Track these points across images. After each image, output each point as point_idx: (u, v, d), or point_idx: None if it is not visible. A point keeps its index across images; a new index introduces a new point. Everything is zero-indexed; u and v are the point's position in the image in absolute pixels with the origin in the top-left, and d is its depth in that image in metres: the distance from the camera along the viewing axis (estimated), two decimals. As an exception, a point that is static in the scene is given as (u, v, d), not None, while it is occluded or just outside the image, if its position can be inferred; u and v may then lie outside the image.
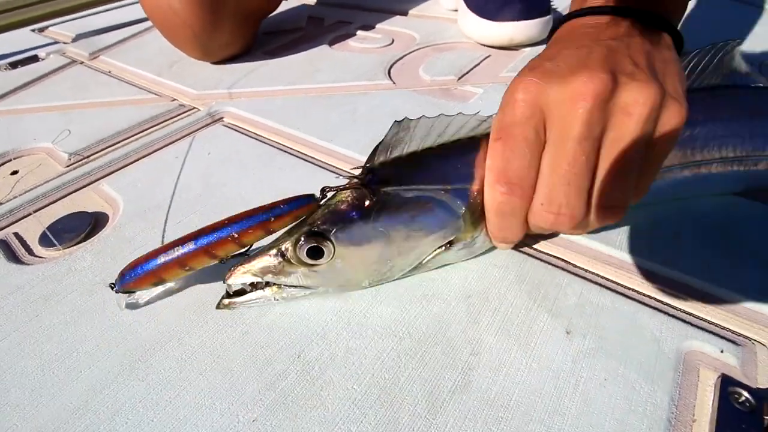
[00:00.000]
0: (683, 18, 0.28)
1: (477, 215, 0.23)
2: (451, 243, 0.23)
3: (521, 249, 0.27)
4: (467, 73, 0.49)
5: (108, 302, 0.25)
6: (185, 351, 0.22)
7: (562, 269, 0.25)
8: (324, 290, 0.23)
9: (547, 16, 0.53)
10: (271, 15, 0.67)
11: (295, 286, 0.23)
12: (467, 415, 0.18)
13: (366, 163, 0.23)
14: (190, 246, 0.22)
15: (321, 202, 0.23)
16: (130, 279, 0.23)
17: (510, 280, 0.24)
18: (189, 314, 0.24)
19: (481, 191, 0.22)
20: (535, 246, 0.27)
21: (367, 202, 0.22)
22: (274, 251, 0.22)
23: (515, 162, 0.20)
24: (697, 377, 0.20)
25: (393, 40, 0.60)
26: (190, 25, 0.49)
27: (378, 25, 0.65)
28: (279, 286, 0.23)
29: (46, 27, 0.78)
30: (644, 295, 0.24)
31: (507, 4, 0.52)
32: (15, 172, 0.39)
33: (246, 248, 0.23)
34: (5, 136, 0.44)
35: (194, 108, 0.47)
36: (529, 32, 0.52)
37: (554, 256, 0.26)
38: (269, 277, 0.22)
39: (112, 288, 0.24)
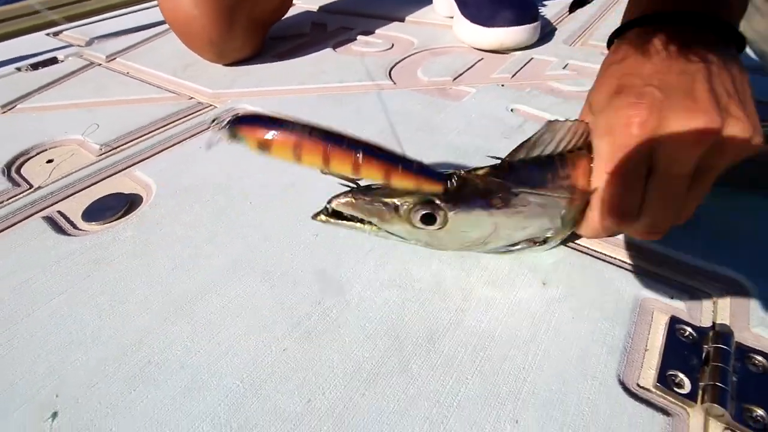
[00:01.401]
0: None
1: (573, 223, 0.25)
2: (545, 241, 0.26)
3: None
4: (462, 74, 0.53)
5: (151, 264, 0.29)
6: (223, 300, 0.26)
7: (542, 236, 0.29)
8: (414, 243, 0.24)
9: (535, 23, 0.58)
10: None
11: (392, 234, 0.23)
12: (460, 343, 0.23)
13: (507, 156, 0.24)
14: (315, 137, 0.19)
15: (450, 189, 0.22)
16: (248, 124, 0.20)
17: (497, 244, 0.29)
18: (224, 272, 0.28)
19: (579, 202, 0.23)
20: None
21: (493, 197, 0.22)
22: (389, 201, 0.22)
23: (628, 197, 0.21)
24: (651, 318, 0.24)
25: (393, 45, 0.64)
26: (208, 32, 0.53)
27: (378, 31, 0.70)
28: (378, 227, 0.23)
29: (61, 31, 0.82)
30: (612, 257, 0.28)
31: (498, 11, 0.57)
32: (50, 161, 0.43)
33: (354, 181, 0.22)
34: (37, 130, 0.48)
35: (211, 105, 0.51)
36: (519, 37, 0.57)
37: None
38: (375, 220, 0.22)
39: (215, 123, 0.21)
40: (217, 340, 0.24)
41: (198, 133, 0.45)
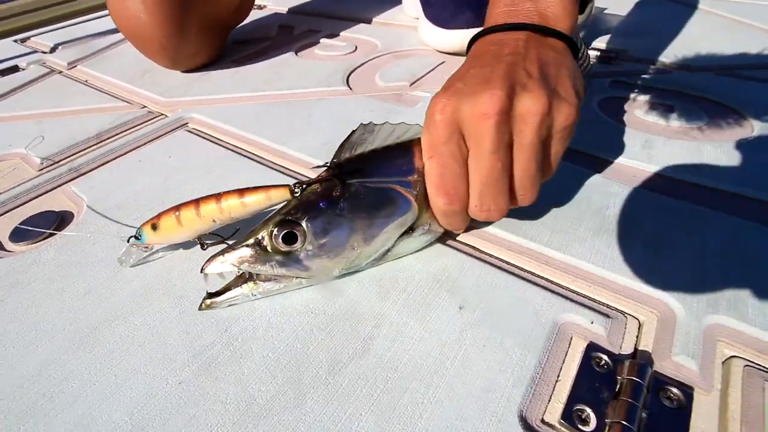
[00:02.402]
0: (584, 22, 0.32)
1: (426, 203, 0.26)
2: (412, 229, 0.26)
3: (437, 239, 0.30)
4: (420, 78, 0.52)
5: (66, 288, 0.28)
6: (129, 327, 0.25)
7: (469, 254, 0.28)
8: (297, 283, 0.25)
9: (498, 25, 0.56)
10: (242, 24, 0.70)
11: (270, 280, 0.25)
12: (361, 375, 0.22)
13: (333, 158, 0.26)
14: (186, 203, 0.25)
15: (296, 196, 0.25)
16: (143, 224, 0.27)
17: (420, 265, 0.28)
18: (135, 297, 0.27)
19: (423, 183, 0.25)
20: (448, 233, 0.30)
21: (334, 193, 0.24)
22: (251, 240, 0.24)
23: (448, 176, 0.24)
24: (569, 345, 0.23)
25: (356, 48, 0.63)
26: (158, 37, 0.52)
27: (343, 33, 0.69)
28: (254, 281, 0.25)
29: (29, 37, 0.81)
30: (536, 275, 0.27)
31: (458, 13, 0.55)
32: (-9, 176, 0.42)
33: (224, 237, 0.26)
34: (-17, 143, 0.46)
35: (162, 114, 0.50)
36: (480, 40, 0.55)
37: (464, 243, 0.29)
38: (245, 266, 0.24)
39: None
40: (115, 371, 0.23)
41: (142, 145, 0.44)
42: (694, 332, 0.23)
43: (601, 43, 0.58)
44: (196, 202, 0.25)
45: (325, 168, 0.26)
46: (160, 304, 0.26)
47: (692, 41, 0.57)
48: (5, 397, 0.22)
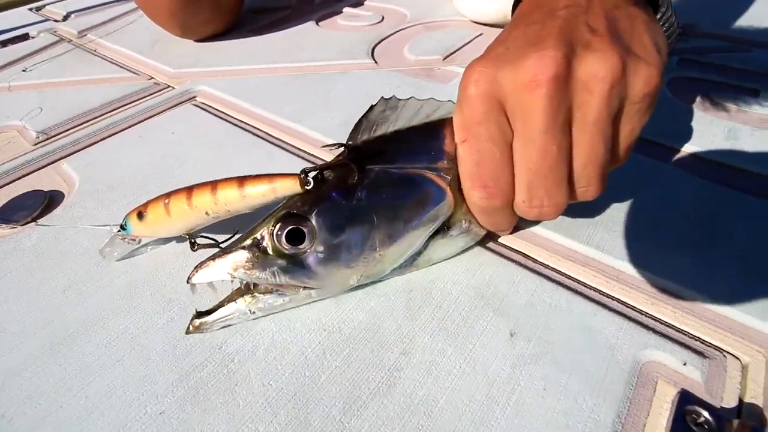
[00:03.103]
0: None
1: (462, 197, 0.21)
2: (447, 227, 0.21)
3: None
4: (454, 52, 0.46)
5: (44, 282, 0.24)
6: (108, 336, 0.21)
7: (519, 264, 0.23)
8: (306, 296, 0.21)
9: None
10: (262, -9, 0.65)
11: (271, 292, 0.20)
12: (384, 420, 0.17)
13: (348, 140, 0.21)
14: (176, 190, 0.21)
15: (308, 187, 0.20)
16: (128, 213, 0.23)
17: (459, 273, 0.22)
18: (118, 298, 0.23)
19: (457, 171, 0.20)
20: (492, 236, 0.25)
21: (350, 181, 0.20)
22: (248, 241, 0.19)
23: (486, 164, 0.19)
24: (653, 392, 0.18)
25: (383, 18, 0.57)
26: (168, 3, 0.47)
27: (368, 2, 0.62)
28: (253, 295, 0.20)
29: (44, 5, 0.77)
30: (606, 295, 0.21)
31: (502, -22, 0.49)
32: (-16, 149, 0.39)
33: (219, 242, 0.21)
34: (-20, 113, 0.43)
35: (169, 86, 0.45)
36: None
37: (513, 249, 0.24)
38: (241, 274, 0.19)
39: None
40: (87, 391, 0.19)
41: (145, 119, 0.39)
42: (824, 384, 0.17)
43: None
44: (189, 189, 0.20)
45: (339, 149, 0.21)
46: (146, 309, 0.22)
47: (776, 15, 0.49)
48: (-43, 416, 0.18)
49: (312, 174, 0.20)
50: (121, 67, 0.51)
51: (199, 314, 0.20)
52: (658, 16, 0.24)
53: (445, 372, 0.18)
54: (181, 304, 0.22)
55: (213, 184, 0.20)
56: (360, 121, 0.21)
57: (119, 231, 0.23)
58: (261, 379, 0.19)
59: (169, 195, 0.21)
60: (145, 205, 0.22)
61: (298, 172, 0.20)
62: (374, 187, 0.20)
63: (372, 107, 0.22)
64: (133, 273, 0.24)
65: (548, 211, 0.19)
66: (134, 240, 0.24)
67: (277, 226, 0.19)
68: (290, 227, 0.19)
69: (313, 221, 0.19)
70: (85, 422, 0.18)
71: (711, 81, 0.38)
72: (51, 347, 0.21)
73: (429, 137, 0.21)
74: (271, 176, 0.20)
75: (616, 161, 0.20)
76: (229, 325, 0.21)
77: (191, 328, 0.20)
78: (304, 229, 0.19)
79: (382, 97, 0.22)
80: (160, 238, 0.25)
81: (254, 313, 0.20)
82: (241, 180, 0.20)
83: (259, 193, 0.20)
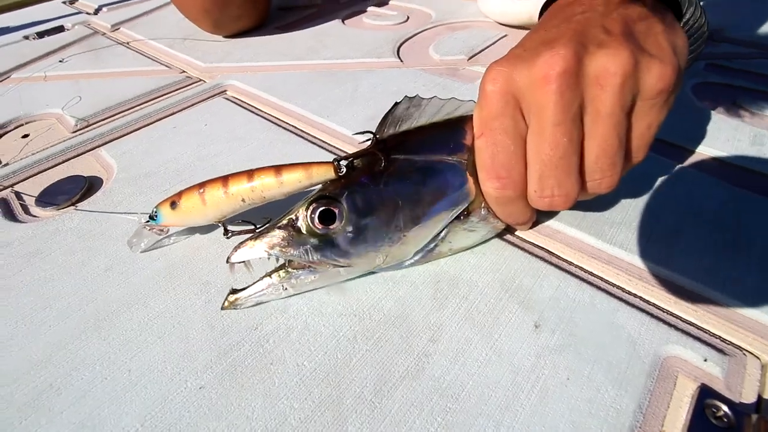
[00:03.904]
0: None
1: (480, 188, 0.22)
2: (467, 213, 0.23)
3: (502, 236, 0.25)
4: (479, 53, 0.47)
5: (86, 262, 0.26)
6: (149, 314, 0.22)
7: (543, 260, 0.24)
8: (335, 272, 0.22)
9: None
10: (289, -10, 0.66)
11: (303, 268, 0.21)
12: (414, 402, 0.18)
13: (375, 133, 0.23)
14: (211, 180, 0.22)
15: (341, 174, 0.21)
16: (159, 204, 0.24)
17: (485, 267, 0.23)
18: (158, 279, 0.24)
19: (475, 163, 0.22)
20: (517, 233, 0.25)
21: (377, 168, 0.21)
22: (284, 221, 0.21)
23: (500, 156, 0.20)
24: (674, 386, 0.18)
25: (408, 18, 0.58)
26: (202, -1, 0.49)
27: (393, 2, 0.63)
28: (286, 270, 0.21)
29: (77, -1, 0.80)
30: (628, 293, 0.22)
31: (528, -20, 0.49)
32: (26, 136, 0.41)
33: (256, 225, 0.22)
34: (21, 102, 0.45)
35: (200, 80, 0.47)
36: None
37: (537, 246, 0.25)
38: (276, 251, 0.21)
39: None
40: (130, 365, 0.20)
41: (178, 111, 0.41)
42: None
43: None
44: (225, 178, 0.22)
45: (368, 140, 0.22)
46: (185, 290, 0.23)
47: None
48: (10, 383, 0.20)
49: (344, 162, 0.21)
50: (154, 60, 0.53)
51: (235, 291, 0.22)
52: (687, 17, 0.24)
53: (471, 359, 0.19)
54: (218, 287, 0.23)
55: (249, 173, 0.21)
56: (386, 116, 0.23)
57: (147, 221, 0.24)
58: (295, 360, 0.20)
59: (203, 184, 0.22)
60: (179, 194, 0.23)
61: (331, 161, 0.21)
62: (399, 173, 0.21)
63: (397, 104, 0.23)
64: (171, 256, 0.25)
65: (558, 201, 0.20)
66: (162, 231, 0.25)
67: (311, 208, 0.21)
68: (322, 208, 0.20)
69: (344, 203, 0.21)
70: (129, 394, 0.19)
71: (737, 87, 0.38)
72: (95, 323, 0.22)
73: (450, 132, 0.23)
74: (306, 164, 0.21)
75: (632, 158, 0.20)
76: (263, 302, 0.22)
77: (226, 303, 0.22)
78: (335, 211, 0.21)
79: (406, 96, 0.23)
80: (186, 230, 0.27)
81: (286, 289, 0.21)
82: (278, 168, 0.21)
83: (295, 179, 0.21)
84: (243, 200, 0.22)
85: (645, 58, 0.18)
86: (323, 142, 0.35)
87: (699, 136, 0.32)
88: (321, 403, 0.18)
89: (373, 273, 0.23)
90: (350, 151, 0.34)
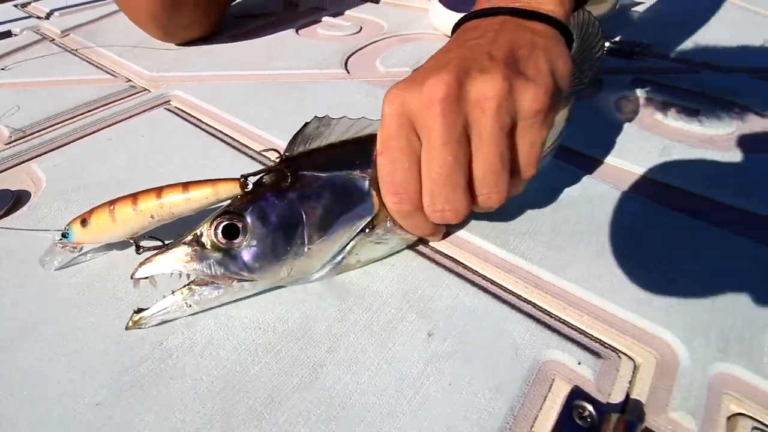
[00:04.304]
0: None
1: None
2: (372, 226, 0.24)
3: (414, 247, 0.26)
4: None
5: (2, 278, 0.26)
6: (59, 331, 0.23)
7: (449, 270, 0.25)
8: (239, 287, 0.22)
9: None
10: (246, -1, 0.66)
11: (207, 284, 0.22)
12: (302, 412, 0.19)
13: (285, 151, 0.24)
14: (122, 196, 0.23)
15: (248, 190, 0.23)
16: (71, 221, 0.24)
17: (392, 278, 0.24)
18: (71, 296, 0.24)
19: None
20: (430, 244, 0.27)
21: (284, 184, 0.22)
22: (189, 237, 0.22)
23: (396, 173, 0.21)
24: (549, 388, 0.20)
25: (361, 28, 0.59)
26: (150, 6, 0.49)
27: (349, 12, 0.64)
28: (189, 288, 0.22)
29: (29, 2, 0.78)
30: (524, 300, 0.23)
31: (471, -5, 0.51)
32: (-41, 147, 0.40)
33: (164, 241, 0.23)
34: (-43, 111, 0.44)
35: (145, 90, 0.47)
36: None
37: (447, 256, 0.26)
38: (180, 267, 0.21)
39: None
40: (35, 382, 0.20)
41: (117, 122, 0.41)
42: (697, 382, 0.19)
43: (623, 35, 0.52)
44: (134, 196, 0.22)
45: (276, 158, 0.24)
46: (97, 307, 0.24)
47: (726, 39, 0.51)
48: None
49: (251, 178, 0.22)
50: (100, 68, 0.52)
51: (140, 310, 0.22)
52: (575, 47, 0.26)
53: (363, 368, 0.20)
54: (129, 303, 0.24)
55: (158, 190, 0.22)
56: (296, 135, 0.24)
57: (60, 239, 0.24)
58: (194, 374, 0.20)
59: (113, 202, 0.23)
60: (90, 212, 0.23)
61: (238, 177, 0.22)
62: (304, 189, 0.23)
63: (307, 124, 0.24)
64: (86, 273, 0.26)
65: (450, 215, 0.21)
66: (75, 248, 0.25)
67: (215, 223, 0.21)
68: (225, 223, 0.21)
69: (247, 218, 0.22)
70: (27, 412, 0.19)
71: (658, 100, 0.40)
72: (2, 343, 0.22)
73: (357, 149, 0.24)
74: (213, 181, 0.22)
75: (522, 174, 0.22)
76: (168, 320, 0.22)
77: (130, 323, 0.22)
78: (238, 225, 0.21)
79: (316, 116, 0.24)
80: (104, 246, 0.27)
81: (191, 306, 0.22)
82: (186, 185, 0.22)
83: (202, 196, 0.22)
84: (152, 217, 0.23)
85: (520, 81, 0.20)
86: (259, 154, 0.36)
87: (612, 147, 0.34)
88: (212, 416, 0.19)
89: (282, 287, 0.24)
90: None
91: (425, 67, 0.21)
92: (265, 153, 0.25)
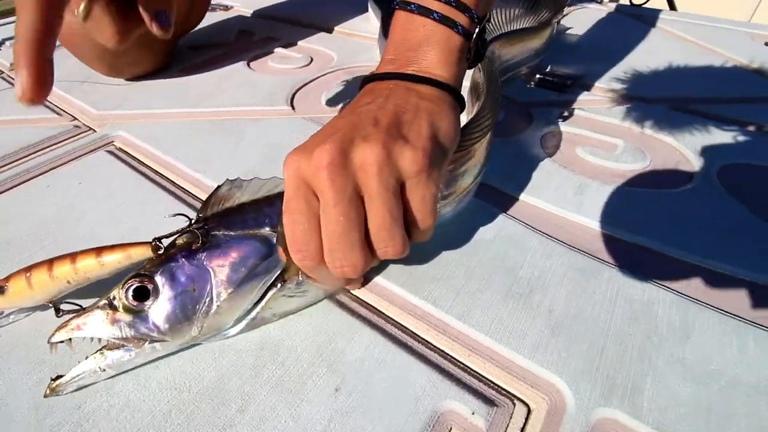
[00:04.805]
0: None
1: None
2: (284, 281, 0.25)
3: (335, 296, 0.28)
4: (365, 100, 0.50)
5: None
6: (-24, 399, 0.23)
7: (363, 319, 0.26)
8: (151, 348, 0.23)
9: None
10: (202, 27, 0.67)
11: (119, 347, 0.22)
12: (206, 474, 0.20)
13: (199, 212, 0.26)
14: (38, 263, 0.24)
15: (160, 253, 0.24)
16: None
17: (307, 331, 0.26)
18: (-7, 360, 0.25)
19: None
20: (353, 291, 0.28)
21: (195, 245, 0.24)
22: (103, 301, 0.23)
23: (297, 232, 0.23)
24: (445, 439, 0.21)
25: (311, 60, 0.60)
26: (92, 40, 0.49)
27: (301, 43, 0.66)
28: (101, 352, 0.23)
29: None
30: (433, 347, 0.25)
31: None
32: None
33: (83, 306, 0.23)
34: None
35: (90, 129, 0.47)
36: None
37: (365, 303, 0.27)
38: (93, 331, 0.22)
39: None
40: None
41: (58, 166, 0.41)
42: (579, 428, 0.21)
43: (557, 66, 0.55)
44: (50, 262, 0.24)
45: (188, 223, 0.25)
46: (18, 371, 0.24)
47: (657, 67, 0.55)
48: None
49: (165, 240, 0.24)
50: (47, 106, 0.52)
51: (58, 377, 0.23)
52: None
53: (271, 427, 0.21)
54: (52, 365, 0.24)
55: (72, 256, 0.23)
56: (208, 198, 0.26)
57: None
58: (107, 439, 0.21)
59: (30, 268, 0.24)
60: (7, 278, 0.24)
61: (150, 241, 0.24)
62: (214, 249, 0.24)
63: (219, 187, 0.26)
64: (8, 336, 0.26)
65: (348, 270, 0.23)
66: None
67: (126, 286, 0.23)
68: (135, 285, 0.22)
69: (157, 279, 0.23)
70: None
71: (580, 135, 0.43)
72: None
73: (267, 207, 0.26)
74: (126, 245, 0.24)
75: (420, 225, 0.23)
76: (85, 386, 0.23)
77: (48, 391, 0.22)
78: (149, 287, 0.23)
79: (227, 179, 0.26)
80: (23, 310, 0.27)
81: (105, 370, 0.23)
82: (99, 250, 0.24)
83: (115, 261, 0.24)
84: (69, 282, 0.23)
85: (398, 145, 0.22)
86: (195, 198, 0.37)
87: (530, 184, 0.36)
88: (119, 482, 0.19)
89: (199, 344, 0.25)
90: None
91: (318, 134, 0.23)
92: (174, 216, 0.26)
